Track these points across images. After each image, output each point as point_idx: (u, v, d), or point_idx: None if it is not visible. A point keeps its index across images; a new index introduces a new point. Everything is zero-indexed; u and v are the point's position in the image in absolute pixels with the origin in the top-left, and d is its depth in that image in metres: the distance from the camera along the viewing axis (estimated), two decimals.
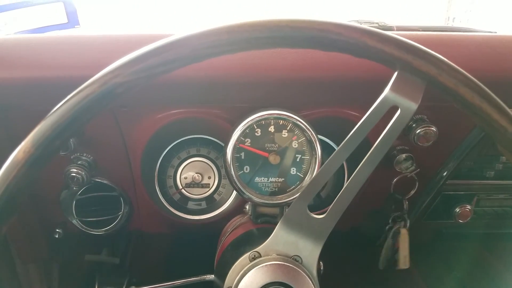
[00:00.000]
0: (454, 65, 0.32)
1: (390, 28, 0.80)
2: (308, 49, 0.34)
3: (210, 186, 0.72)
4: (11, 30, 0.60)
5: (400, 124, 0.33)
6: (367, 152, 0.35)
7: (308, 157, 0.51)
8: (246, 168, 0.51)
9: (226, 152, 0.50)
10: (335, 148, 0.68)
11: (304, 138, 0.51)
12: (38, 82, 0.48)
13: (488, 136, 0.32)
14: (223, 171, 0.72)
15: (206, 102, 0.58)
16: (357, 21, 0.83)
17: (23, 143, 0.28)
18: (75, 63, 0.47)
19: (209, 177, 0.72)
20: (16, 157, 0.28)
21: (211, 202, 0.73)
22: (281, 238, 0.37)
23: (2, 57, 0.48)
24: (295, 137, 0.51)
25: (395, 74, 0.33)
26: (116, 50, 0.48)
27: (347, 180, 0.68)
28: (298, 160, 0.51)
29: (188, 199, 0.72)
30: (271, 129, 0.51)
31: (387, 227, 0.67)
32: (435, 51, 0.33)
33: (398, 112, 0.33)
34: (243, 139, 0.51)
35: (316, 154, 0.50)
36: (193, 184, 0.72)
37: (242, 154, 0.51)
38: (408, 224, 0.66)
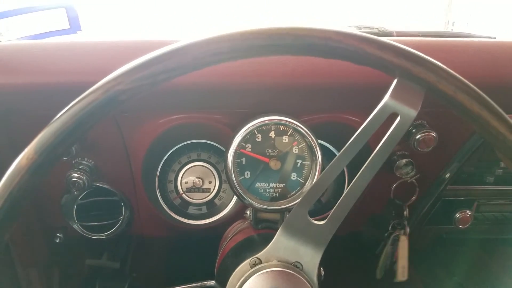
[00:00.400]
0: (453, 72, 0.32)
1: (390, 33, 0.81)
2: (308, 56, 0.34)
3: (211, 191, 0.72)
4: (14, 35, 0.61)
5: (400, 131, 0.33)
6: (367, 158, 0.35)
7: (308, 163, 0.51)
8: (247, 174, 0.51)
9: (227, 157, 0.50)
10: (336, 153, 0.68)
11: (304, 144, 0.51)
12: (41, 88, 0.48)
13: (488, 143, 0.33)
14: (223, 176, 0.72)
15: (207, 108, 0.58)
16: (357, 27, 0.84)
17: (26, 150, 0.29)
18: (77, 69, 0.48)
19: (210, 182, 0.72)
20: (19, 163, 0.28)
21: (211, 207, 0.73)
22: (281, 244, 0.37)
23: (5, 63, 0.48)
24: (296, 142, 0.51)
25: (395, 81, 0.33)
26: (118, 56, 0.48)
27: (348, 185, 0.69)
28: (298, 165, 0.51)
29: (189, 204, 0.73)
30: (272, 134, 0.51)
31: (386, 234, 0.67)
32: (434, 57, 0.34)
33: (398, 119, 0.33)
34: (244, 144, 0.51)
35: (316, 159, 0.51)
36: (193, 189, 0.72)
37: (243, 159, 0.51)
38: (408, 231, 0.66)
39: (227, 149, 0.50)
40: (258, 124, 0.50)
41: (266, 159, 0.50)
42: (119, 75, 0.30)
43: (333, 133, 0.64)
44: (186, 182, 0.72)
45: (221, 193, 0.73)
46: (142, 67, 0.30)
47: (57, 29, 0.65)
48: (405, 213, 0.67)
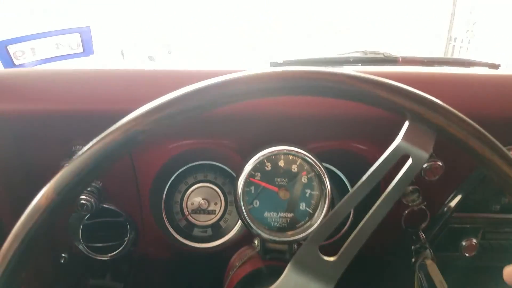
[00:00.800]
0: (464, 117, 0.33)
1: (395, 59, 0.82)
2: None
3: (216, 213, 0.72)
4: (29, 59, 0.62)
5: (411, 172, 0.34)
6: (374, 192, 0.35)
7: (317, 193, 0.52)
8: (256, 203, 0.51)
9: (237, 185, 0.50)
10: (343, 178, 0.69)
11: (313, 173, 0.51)
12: (59, 115, 0.49)
13: (498, 186, 0.33)
14: (229, 197, 0.72)
15: (217, 134, 0.59)
16: (363, 52, 0.85)
17: (45, 189, 0.29)
18: (93, 97, 0.49)
19: (216, 203, 0.72)
20: (38, 203, 0.29)
21: (217, 229, 0.73)
22: (291, 280, 0.37)
23: (20, 90, 0.49)
24: (305, 172, 0.51)
25: (406, 123, 0.34)
26: (136, 86, 0.49)
27: (353, 215, 0.69)
28: (307, 195, 0.52)
29: (194, 225, 0.73)
30: (281, 163, 0.51)
31: (412, 261, 0.67)
32: (439, 90, 0.34)
33: (410, 161, 0.34)
34: (253, 173, 0.51)
35: (325, 189, 0.51)
36: (199, 210, 0.72)
37: (252, 188, 0.51)
38: (431, 253, 0.66)
39: (237, 177, 0.51)
40: (268, 154, 0.50)
41: (275, 188, 0.51)
42: (138, 116, 0.31)
43: (341, 159, 0.64)
44: (192, 203, 0.72)
45: (226, 215, 0.73)
46: (161, 108, 0.31)
47: (71, 52, 0.66)
48: (421, 236, 0.67)
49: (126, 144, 0.30)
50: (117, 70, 0.51)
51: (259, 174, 0.51)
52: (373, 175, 0.35)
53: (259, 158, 0.50)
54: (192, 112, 0.32)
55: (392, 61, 0.81)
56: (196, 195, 0.72)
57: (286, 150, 0.50)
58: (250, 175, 0.51)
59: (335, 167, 0.68)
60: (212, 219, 0.72)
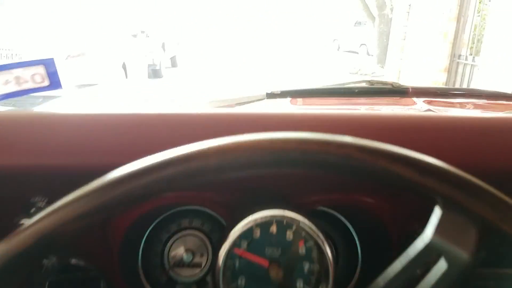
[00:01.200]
0: None
1: (405, 90, 0.74)
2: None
3: (202, 266, 0.63)
4: None
5: (448, 280, 0.25)
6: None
7: (317, 267, 0.42)
8: (241, 280, 0.42)
9: (217, 257, 0.41)
10: (350, 228, 0.59)
11: (312, 243, 0.42)
12: (11, 169, 0.40)
13: None
14: (218, 248, 0.63)
15: (199, 185, 0.50)
16: (369, 81, 0.77)
17: None
18: (53, 149, 0.40)
19: (202, 255, 0.63)
20: None
21: (202, 287, 0.63)
22: None
23: None
24: (302, 240, 0.42)
25: (438, 212, 0.25)
26: (96, 135, 0.41)
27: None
28: (305, 270, 0.42)
29: (176, 283, 0.63)
30: (273, 229, 0.42)
31: None
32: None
33: (444, 264, 0.24)
34: (239, 241, 0.42)
35: (327, 261, 0.41)
36: (182, 263, 0.63)
37: (237, 261, 0.42)
38: None
39: (218, 248, 0.42)
40: (259, 221, 0.41)
41: (265, 262, 0.41)
42: (51, 212, 0.21)
43: (345, 210, 0.55)
44: (174, 255, 0.62)
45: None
46: (83, 200, 0.22)
47: (36, 86, 0.58)
48: None
49: (34, 253, 0.21)
50: (80, 114, 0.43)
51: (245, 243, 0.42)
52: (394, 279, 0.26)
53: (246, 224, 0.40)
54: (141, 199, 0.23)
55: (401, 92, 0.73)
56: (180, 245, 0.62)
57: (280, 216, 0.41)
58: (235, 244, 0.41)
59: (339, 213, 0.59)
60: (197, 274, 0.63)
